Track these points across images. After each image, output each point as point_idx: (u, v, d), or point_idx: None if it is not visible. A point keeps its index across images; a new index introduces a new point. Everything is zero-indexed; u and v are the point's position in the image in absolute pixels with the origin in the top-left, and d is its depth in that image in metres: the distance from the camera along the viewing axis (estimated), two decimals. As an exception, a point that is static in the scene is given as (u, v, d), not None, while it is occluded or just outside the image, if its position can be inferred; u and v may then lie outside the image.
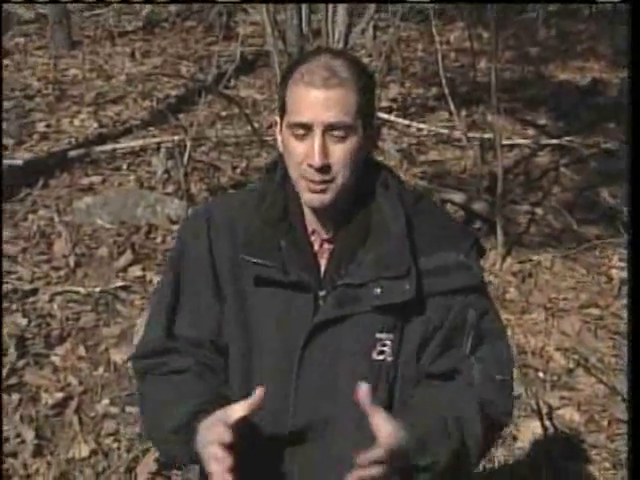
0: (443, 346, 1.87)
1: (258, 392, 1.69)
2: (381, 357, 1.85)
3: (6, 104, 6.94)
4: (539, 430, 3.93)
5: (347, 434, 1.87)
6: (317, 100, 1.77)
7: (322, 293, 1.85)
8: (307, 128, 1.78)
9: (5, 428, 3.72)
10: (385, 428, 1.63)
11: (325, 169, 1.78)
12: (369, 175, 1.90)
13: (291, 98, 1.81)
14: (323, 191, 1.81)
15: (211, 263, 1.91)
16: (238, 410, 1.69)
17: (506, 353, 1.95)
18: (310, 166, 1.77)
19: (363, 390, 1.64)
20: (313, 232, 1.88)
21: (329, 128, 1.78)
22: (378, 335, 1.84)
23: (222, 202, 2.09)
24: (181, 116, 6.89)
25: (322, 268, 1.87)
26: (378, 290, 1.82)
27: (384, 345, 1.84)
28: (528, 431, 3.92)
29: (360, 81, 1.81)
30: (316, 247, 1.88)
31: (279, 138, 1.89)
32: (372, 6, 6.31)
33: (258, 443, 1.91)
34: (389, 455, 1.61)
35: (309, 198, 1.82)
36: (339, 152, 1.79)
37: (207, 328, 1.92)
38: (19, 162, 5.88)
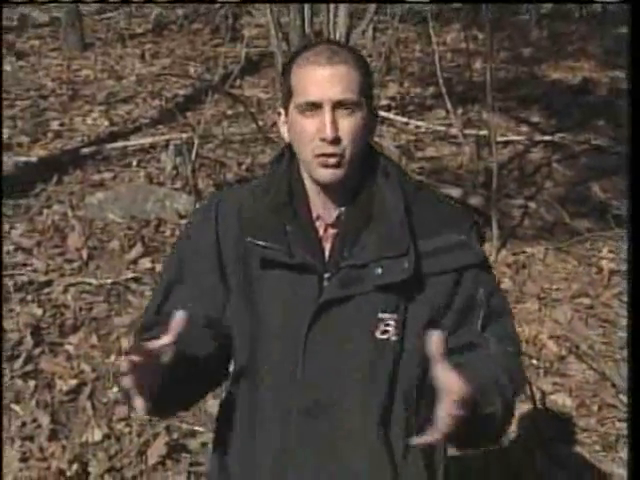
0: (457, 324, 1.88)
1: (178, 316, 1.66)
2: (385, 336, 1.84)
3: (21, 103, 6.95)
4: (533, 414, 3.94)
5: (352, 411, 1.87)
6: (323, 77, 1.79)
7: (327, 275, 1.85)
8: (316, 106, 1.80)
9: (22, 413, 3.73)
10: (453, 377, 1.60)
11: (336, 141, 1.80)
12: (371, 164, 1.91)
13: (297, 80, 1.83)
14: (335, 166, 1.82)
15: (217, 248, 1.92)
16: (163, 339, 1.65)
17: (512, 328, 1.97)
18: (323, 140, 1.79)
19: (437, 337, 1.60)
20: (318, 217, 1.89)
21: (337, 104, 1.80)
22: (381, 315, 1.84)
23: (231, 191, 2.12)
24: (189, 114, 6.88)
25: (326, 252, 1.87)
26: (379, 270, 1.82)
27: (387, 325, 1.84)
28: (522, 415, 3.92)
29: (359, 61, 1.84)
30: (321, 232, 1.89)
31: (284, 128, 1.91)
32: (372, 8, 6.30)
33: (266, 421, 1.92)
34: (463, 402, 1.58)
35: (323, 174, 1.83)
36: (347, 125, 1.81)
37: (207, 305, 1.92)
38: (34, 159, 5.89)
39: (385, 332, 1.85)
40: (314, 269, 1.85)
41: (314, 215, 1.89)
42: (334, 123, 1.79)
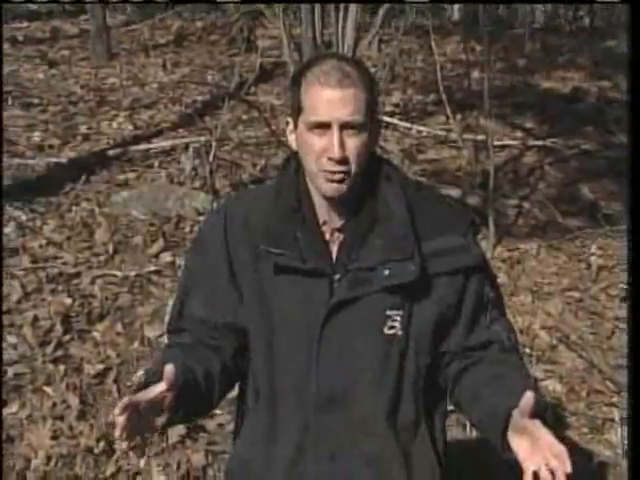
0: (472, 322, 1.90)
1: (167, 369, 1.68)
2: (392, 331, 1.84)
3: (53, 109, 6.95)
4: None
5: (365, 403, 1.87)
6: (333, 99, 1.76)
7: (336, 277, 1.84)
8: (325, 126, 1.77)
9: (53, 394, 3.73)
10: (549, 437, 1.62)
11: (343, 161, 1.78)
12: (374, 169, 1.89)
13: (307, 98, 1.80)
14: (341, 181, 1.80)
15: (227, 253, 1.91)
16: (154, 389, 1.71)
17: (510, 322, 2.00)
18: (330, 159, 1.77)
19: (529, 397, 1.62)
20: (324, 223, 1.88)
21: (345, 125, 1.77)
22: (388, 312, 1.84)
23: (238, 197, 2.14)
24: (207, 119, 6.88)
25: (334, 255, 1.86)
26: (387, 272, 1.81)
27: (394, 321, 1.84)
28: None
29: (366, 80, 1.81)
30: (327, 236, 1.87)
31: (292, 137, 1.89)
32: (377, 22, 6.30)
33: (284, 415, 1.92)
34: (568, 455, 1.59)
35: (328, 188, 1.81)
36: (354, 145, 1.79)
37: (222, 310, 1.92)
38: (64, 160, 5.89)
39: (392, 327, 1.84)
40: (324, 273, 1.84)
41: (321, 221, 1.88)
42: (342, 144, 1.77)
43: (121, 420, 1.64)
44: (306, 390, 1.87)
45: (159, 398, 1.71)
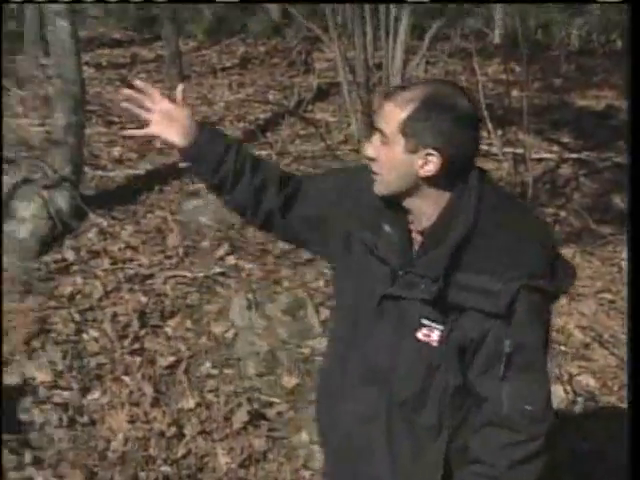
0: (484, 367, 1.80)
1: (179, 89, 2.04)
2: (425, 339, 1.81)
3: (131, 126, 7.00)
4: (562, 394, 3.87)
5: (406, 382, 1.86)
6: (380, 107, 1.84)
7: (401, 273, 1.84)
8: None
9: (130, 383, 3.78)
10: None
11: (371, 160, 1.82)
12: (462, 186, 1.82)
13: None
14: (374, 180, 1.84)
15: (344, 198, 1.97)
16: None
17: (539, 384, 1.83)
18: None
19: None
20: (412, 222, 1.86)
21: (377, 131, 1.81)
22: (424, 321, 1.81)
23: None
24: (268, 134, 6.89)
25: (414, 253, 1.85)
26: (422, 286, 1.79)
27: (430, 330, 1.80)
28: (553, 395, 3.85)
29: (418, 107, 1.76)
30: (413, 235, 1.87)
31: None
32: (425, 45, 6.26)
33: (328, 385, 1.93)
34: None
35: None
36: (380, 152, 1.81)
37: (316, 201, 2.01)
38: (141, 172, 5.95)
39: (426, 335, 1.81)
40: (392, 267, 1.85)
41: (409, 219, 1.87)
42: (370, 143, 1.83)
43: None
44: (350, 360, 1.93)
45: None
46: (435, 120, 1.76)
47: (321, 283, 4.55)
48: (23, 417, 3.51)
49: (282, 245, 4.87)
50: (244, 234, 5.15)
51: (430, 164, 1.78)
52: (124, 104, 2.04)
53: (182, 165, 6.14)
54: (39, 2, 9.00)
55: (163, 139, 2.04)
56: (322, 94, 8.19)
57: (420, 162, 1.78)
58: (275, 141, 6.26)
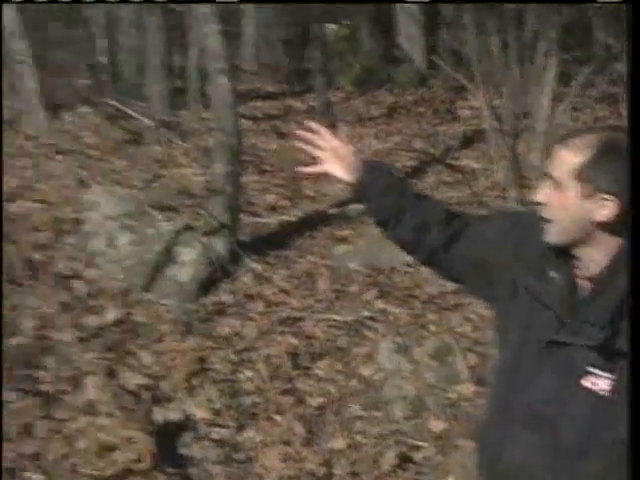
0: None
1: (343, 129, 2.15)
2: (591, 387, 1.75)
3: (283, 174, 7.21)
4: None
5: (571, 429, 1.79)
6: (553, 154, 1.81)
7: (568, 320, 1.79)
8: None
9: (282, 422, 3.83)
10: None
11: (541, 204, 1.80)
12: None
13: None
14: (543, 228, 1.81)
15: (509, 241, 1.95)
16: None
17: None
18: None
19: None
20: (578, 267, 1.82)
21: (550, 177, 1.80)
22: (589, 368, 1.75)
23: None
24: (415, 181, 6.91)
25: (579, 299, 1.80)
26: (589, 332, 1.74)
27: (598, 378, 1.74)
28: None
29: (595, 152, 1.74)
30: (578, 280, 1.82)
31: None
32: (572, 92, 6.13)
33: (498, 417, 1.91)
34: None
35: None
36: (552, 198, 1.78)
37: (480, 245, 1.98)
38: (293, 218, 6.09)
39: (594, 384, 1.75)
40: (554, 310, 1.81)
41: (575, 264, 1.83)
42: (542, 190, 1.79)
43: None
44: (514, 403, 1.87)
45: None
46: (612, 165, 1.74)
47: (468, 328, 4.49)
48: (184, 452, 3.63)
49: (429, 290, 4.85)
50: (392, 279, 5.17)
51: (606, 209, 1.75)
52: (299, 144, 2.13)
53: (331, 211, 6.27)
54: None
55: (332, 175, 2.10)
56: (467, 141, 8.15)
57: (596, 207, 1.76)
58: (422, 188, 6.25)
